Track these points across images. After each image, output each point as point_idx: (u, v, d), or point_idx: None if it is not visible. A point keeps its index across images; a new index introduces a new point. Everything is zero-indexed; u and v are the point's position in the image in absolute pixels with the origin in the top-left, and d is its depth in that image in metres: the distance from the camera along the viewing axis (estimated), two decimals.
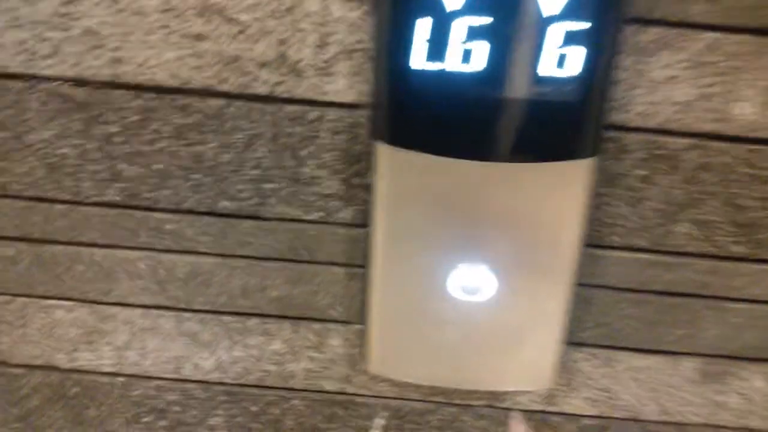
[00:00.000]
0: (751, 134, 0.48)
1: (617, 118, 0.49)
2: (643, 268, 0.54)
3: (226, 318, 0.59)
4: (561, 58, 0.43)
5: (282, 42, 0.47)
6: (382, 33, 0.44)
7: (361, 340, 0.59)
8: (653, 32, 0.46)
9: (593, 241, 0.54)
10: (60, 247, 0.57)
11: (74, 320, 0.60)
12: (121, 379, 0.63)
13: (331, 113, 0.50)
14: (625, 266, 0.55)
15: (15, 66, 0.49)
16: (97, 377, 0.63)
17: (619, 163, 0.50)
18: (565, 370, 0.59)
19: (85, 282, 0.58)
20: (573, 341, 0.58)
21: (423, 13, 0.42)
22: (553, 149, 0.47)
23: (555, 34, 0.42)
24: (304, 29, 0.46)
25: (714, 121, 0.48)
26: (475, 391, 0.60)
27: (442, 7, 0.42)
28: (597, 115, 0.46)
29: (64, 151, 0.52)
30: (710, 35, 0.45)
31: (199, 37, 0.47)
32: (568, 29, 0.42)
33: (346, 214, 0.54)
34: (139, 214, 0.55)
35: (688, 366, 0.59)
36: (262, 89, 0.49)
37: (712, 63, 0.46)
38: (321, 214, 0.54)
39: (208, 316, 0.59)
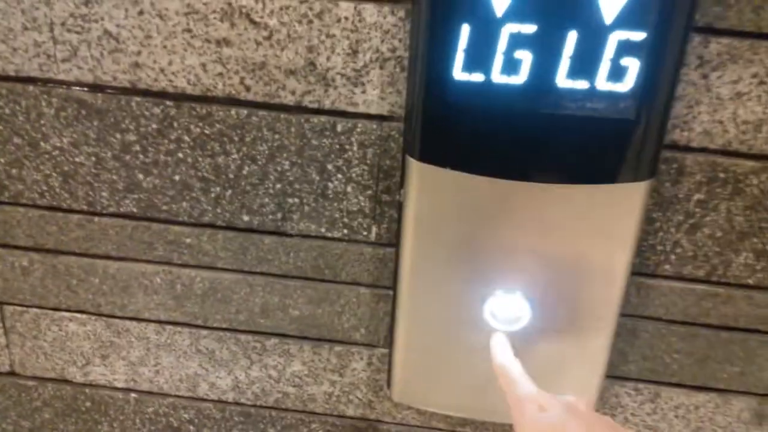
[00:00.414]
0: None
1: (677, 137, 0.44)
2: (697, 299, 0.50)
3: (244, 337, 0.56)
4: (617, 71, 0.39)
5: (311, 49, 0.43)
6: (419, 40, 0.40)
7: (385, 365, 0.55)
8: (721, 43, 0.41)
9: (643, 270, 0.49)
10: (74, 259, 0.53)
11: (87, 334, 0.57)
12: (134, 395, 0.59)
13: (362, 125, 0.45)
14: (676, 297, 0.50)
15: (31, 70, 0.46)
16: (110, 392, 0.59)
17: (677, 186, 0.46)
18: (606, 405, 0.55)
19: (99, 295, 0.55)
20: (616, 375, 0.54)
21: (466, 19, 0.38)
22: (604, 170, 0.42)
23: (611, 43, 0.38)
24: (335, 35, 0.42)
25: None
26: (507, 424, 0.56)
27: (487, 12, 0.37)
28: (655, 134, 0.41)
29: (80, 159, 0.49)
30: None
31: (223, 42, 0.43)
32: (626, 38, 0.38)
33: (374, 232, 0.50)
34: (156, 226, 0.51)
35: (741, 406, 0.54)
36: (288, 99, 0.45)
37: None
38: (347, 231, 0.50)
39: (226, 334, 0.56)
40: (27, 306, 0.56)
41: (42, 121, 0.48)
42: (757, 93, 0.42)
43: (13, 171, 0.50)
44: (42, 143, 0.48)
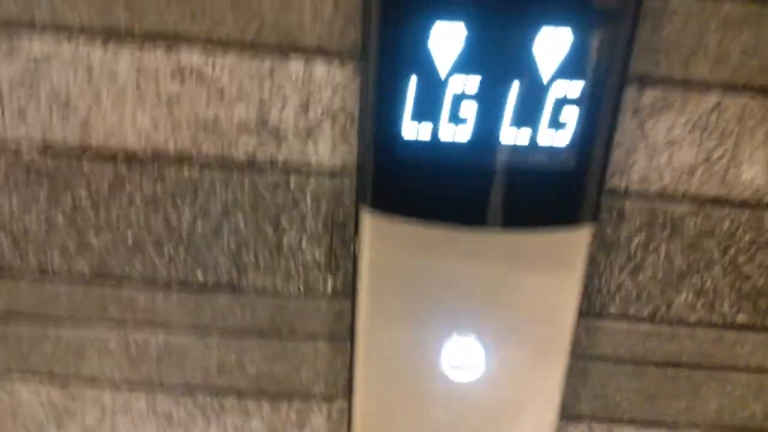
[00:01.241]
0: (756, 200, 0.44)
1: (616, 183, 0.44)
2: (643, 338, 0.50)
3: (201, 397, 0.53)
4: (557, 123, 0.39)
5: (262, 105, 0.42)
6: (368, 96, 0.39)
7: (345, 418, 0.53)
8: (654, 93, 0.42)
9: (590, 311, 0.49)
10: (25, 324, 0.50)
11: (41, 400, 0.53)
12: None
13: (314, 179, 0.45)
14: (623, 337, 0.50)
15: None
16: None
17: (618, 230, 0.46)
18: None
19: (52, 360, 0.52)
20: (570, 415, 0.53)
21: (412, 75, 0.38)
22: (548, 216, 0.42)
23: (550, 96, 0.38)
24: (286, 92, 0.42)
25: (717, 186, 0.44)
26: None
27: (432, 70, 0.37)
28: (595, 181, 0.41)
29: (30, 221, 0.46)
30: (715, 96, 0.41)
31: (174, 100, 0.42)
32: (564, 93, 0.38)
33: (330, 285, 0.48)
34: (109, 287, 0.49)
35: None
36: (241, 155, 0.44)
37: (716, 125, 0.42)
38: (303, 285, 0.48)
39: (183, 395, 0.53)
40: None
41: None
42: (689, 139, 0.43)
43: None
44: None
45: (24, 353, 0.52)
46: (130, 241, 0.47)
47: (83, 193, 0.45)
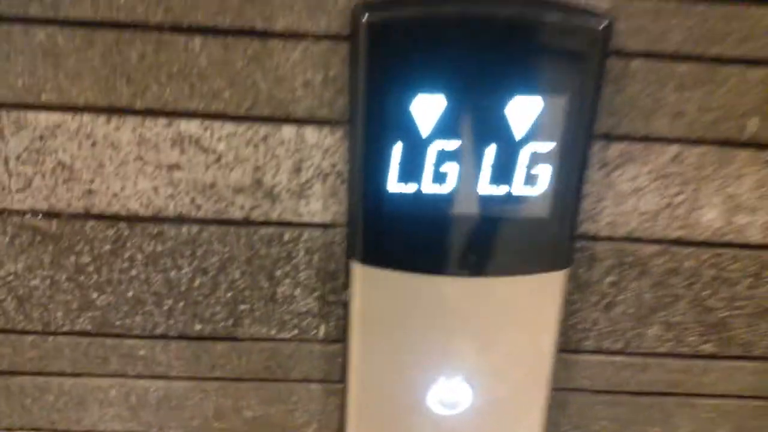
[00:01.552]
0: (716, 239, 0.48)
1: (587, 228, 0.48)
2: (617, 370, 0.53)
3: None
4: (530, 177, 0.42)
5: (257, 169, 0.45)
6: (356, 158, 0.42)
7: None
8: (619, 147, 0.45)
9: (568, 347, 0.52)
10: (28, 378, 0.52)
11: None
12: None
13: (307, 234, 0.47)
14: (599, 369, 0.53)
15: None
16: None
17: (591, 271, 0.49)
18: None
19: (54, 411, 0.54)
20: None
21: (397, 139, 0.41)
22: (526, 263, 0.45)
23: (524, 154, 0.41)
24: (279, 156, 0.45)
25: (680, 228, 0.47)
26: None
27: (415, 133, 0.41)
28: (568, 228, 0.44)
29: (35, 282, 0.49)
30: (674, 148, 0.45)
31: (174, 167, 0.45)
32: (536, 150, 0.41)
33: (322, 331, 0.51)
34: (110, 341, 0.51)
35: None
36: (237, 214, 0.46)
37: (676, 174, 0.46)
38: (297, 332, 0.51)
39: None
40: None
41: None
42: (653, 187, 0.46)
43: None
44: None
45: (26, 406, 0.53)
46: (131, 297, 0.49)
47: (86, 254, 0.48)
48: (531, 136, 0.41)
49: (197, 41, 0.42)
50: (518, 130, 0.41)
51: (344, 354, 0.50)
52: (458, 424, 0.50)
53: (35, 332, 0.50)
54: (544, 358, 0.49)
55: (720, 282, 0.49)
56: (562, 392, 0.54)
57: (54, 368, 0.52)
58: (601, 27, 0.39)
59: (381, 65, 0.40)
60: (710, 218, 0.47)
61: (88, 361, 0.52)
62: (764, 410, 0.54)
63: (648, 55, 0.43)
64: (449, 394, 0.49)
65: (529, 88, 0.40)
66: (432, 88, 0.39)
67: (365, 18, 0.39)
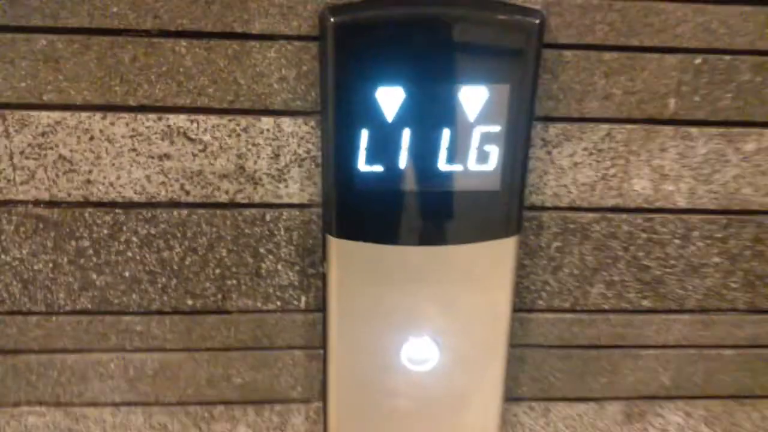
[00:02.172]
0: (647, 206, 0.54)
1: (534, 199, 0.53)
2: (567, 326, 0.58)
3: (193, 408, 0.60)
4: (483, 155, 0.48)
5: (240, 156, 0.50)
6: (328, 143, 0.48)
7: (321, 417, 0.61)
8: (557, 128, 0.51)
9: (522, 307, 0.57)
10: (33, 356, 0.57)
11: (47, 424, 0.60)
12: None
13: (286, 213, 0.53)
14: (551, 326, 0.58)
15: None
16: None
17: (539, 238, 0.55)
18: (508, 424, 0.63)
19: (57, 386, 0.58)
20: (512, 397, 0.61)
21: (363, 126, 0.46)
22: (482, 231, 0.50)
23: (476, 136, 0.47)
24: (259, 144, 0.50)
25: (615, 197, 0.53)
26: None
27: (379, 120, 0.46)
28: (517, 200, 0.50)
29: (38, 266, 0.53)
30: (605, 127, 0.51)
31: (164, 157, 0.50)
32: (487, 131, 0.47)
33: (303, 301, 0.56)
34: (109, 318, 0.56)
35: (614, 410, 0.63)
36: (223, 197, 0.52)
37: (609, 149, 0.52)
38: (280, 303, 0.56)
39: (177, 408, 0.60)
40: None
41: (2, 237, 0.52)
42: (588, 162, 0.52)
43: None
44: (2, 256, 0.53)
45: (32, 382, 0.58)
46: (127, 277, 0.54)
47: (85, 238, 0.53)
48: (481, 119, 0.47)
49: (183, 44, 0.47)
50: (469, 115, 0.46)
51: (324, 322, 0.55)
52: (428, 378, 0.55)
53: (39, 313, 0.55)
54: (502, 317, 0.54)
55: (653, 244, 0.56)
56: (519, 348, 0.59)
57: (57, 346, 0.57)
58: (536, 23, 0.45)
59: (347, 61, 0.45)
60: (641, 187, 0.53)
61: (88, 338, 0.56)
62: (698, 357, 0.61)
63: (578, 46, 0.49)
64: (419, 352, 0.55)
65: (477, 78, 0.46)
66: (392, 80, 0.45)
67: (332, 20, 0.44)
